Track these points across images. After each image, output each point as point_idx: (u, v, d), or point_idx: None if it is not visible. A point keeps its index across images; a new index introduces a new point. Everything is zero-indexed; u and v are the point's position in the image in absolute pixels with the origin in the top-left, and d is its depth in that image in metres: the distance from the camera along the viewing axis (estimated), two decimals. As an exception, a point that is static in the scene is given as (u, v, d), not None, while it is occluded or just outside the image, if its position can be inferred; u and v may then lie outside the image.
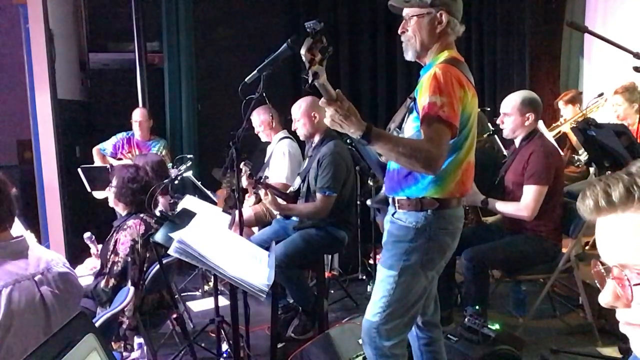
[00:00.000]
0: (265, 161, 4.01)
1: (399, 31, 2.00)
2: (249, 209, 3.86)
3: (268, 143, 4.12)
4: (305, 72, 1.67)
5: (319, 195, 3.13)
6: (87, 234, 2.94)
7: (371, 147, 1.83)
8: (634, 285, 0.68)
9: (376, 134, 1.77)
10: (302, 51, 1.66)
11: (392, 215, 2.01)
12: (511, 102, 3.03)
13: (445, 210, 1.93)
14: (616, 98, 3.86)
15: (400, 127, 2.02)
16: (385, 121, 2.21)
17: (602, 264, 0.73)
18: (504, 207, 3.00)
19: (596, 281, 0.75)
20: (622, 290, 0.70)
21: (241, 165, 3.10)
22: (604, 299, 0.73)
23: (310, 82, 1.69)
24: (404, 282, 1.92)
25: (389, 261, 1.95)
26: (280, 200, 3.20)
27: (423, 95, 1.82)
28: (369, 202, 2.16)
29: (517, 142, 3.10)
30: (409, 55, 2.01)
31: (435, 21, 1.93)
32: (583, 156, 4.16)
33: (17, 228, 1.82)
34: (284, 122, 3.92)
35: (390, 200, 2.03)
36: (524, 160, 2.97)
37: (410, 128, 1.93)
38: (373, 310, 1.97)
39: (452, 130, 1.80)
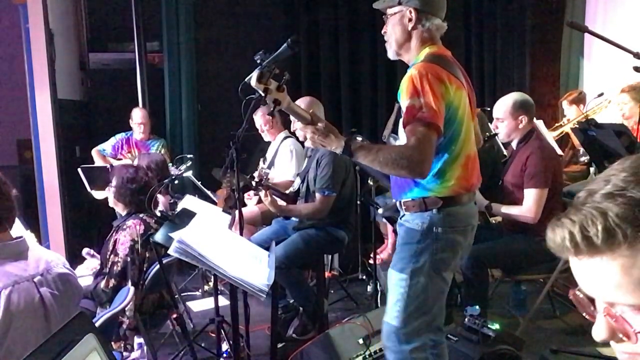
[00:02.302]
0: (267, 161, 4.02)
1: (382, 31, 2.04)
2: (255, 207, 3.87)
3: (268, 143, 4.12)
4: (263, 101, 1.78)
5: (318, 196, 3.13)
6: (85, 250, 2.93)
7: (354, 160, 1.87)
8: (637, 333, 0.65)
9: (356, 147, 1.83)
10: (252, 83, 1.76)
11: (401, 218, 2.01)
12: (502, 107, 3.02)
13: (451, 208, 1.91)
14: (622, 96, 3.86)
15: (395, 132, 2.05)
16: (385, 121, 2.22)
17: (585, 294, 0.69)
18: (507, 211, 3.00)
19: (576, 304, 0.72)
20: (619, 326, 0.66)
21: (260, 162, 3.13)
22: (599, 335, 0.68)
23: (272, 109, 1.82)
24: (416, 284, 1.90)
25: (399, 264, 1.94)
26: (279, 202, 3.20)
27: (402, 99, 1.84)
28: (380, 211, 2.18)
29: (513, 145, 3.10)
30: (389, 54, 2.05)
31: (405, 18, 1.95)
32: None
33: (17, 228, 1.82)
34: (283, 122, 3.93)
35: (397, 204, 2.03)
36: (521, 163, 2.97)
37: (403, 132, 1.93)
38: (391, 314, 1.95)
39: (436, 129, 1.79)
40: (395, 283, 1.95)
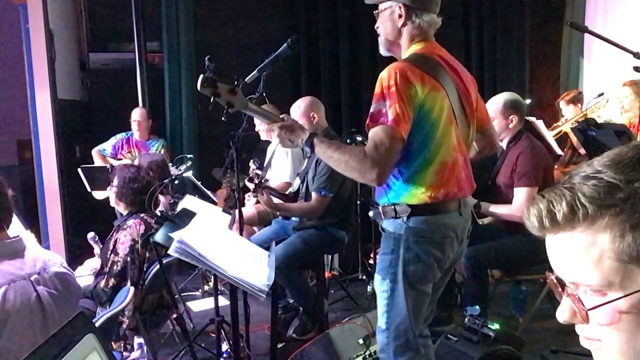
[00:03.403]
0: (266, 161, 4.01)
1: (375, 27, 1.98)
2: (251, 207, 3.86)
3: (268, 143, 4.12)
4: (211, 106, 1.78)
5: (314, 195, 3.13)
6: (90, 234, 2.92)
7: (315, 154, 1.83)
8: (588, 310, 0.67)
9: (318, 141, 1.80)
10: (198, 88, 1.77)
11: (381, 224, 1.93)
12: (493, 106, 3.03)
13: (424, 217, 1.80)
14: (624, 90, 3.87)
15: None
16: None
17: (556, 276, 0.72)
18: (496, 209, 3.00)
19: (554, 292, 0.74)
20: (577, 307, 0.68)
21: (250, 163, 3.12)
22: (562, 316, 0.71)
23: (225, 111, 1.80)
24: (397, 296, 1.84)
25: (380, 275, 1.89)
26: (275, 200, 3.19)
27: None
28: (371, 213, 2.12)
29: (504, 145, 3.11)
30: (381, 50, 2.00)
31: (394, 14, 1.88)
32: None
33: (17, 228, 1.82)
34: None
35: (380, 208, 1.94)
36: (512, 163, 2.98)
37: None
38: (381, 325, 1.92)
39: (398, 135, 1.70)
40: (380, 294, 1.90)
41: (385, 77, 1.75)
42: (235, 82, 1.82)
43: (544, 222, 0.67)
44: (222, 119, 1.83)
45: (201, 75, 1.78)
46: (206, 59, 1.82)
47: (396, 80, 1.72)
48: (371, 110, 1.76)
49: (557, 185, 0.68)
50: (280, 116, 1.92)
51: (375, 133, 1.72)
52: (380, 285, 1.90)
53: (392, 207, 1.83)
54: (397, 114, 1.70)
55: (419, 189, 1.81)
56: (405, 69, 1.76)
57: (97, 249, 2.92)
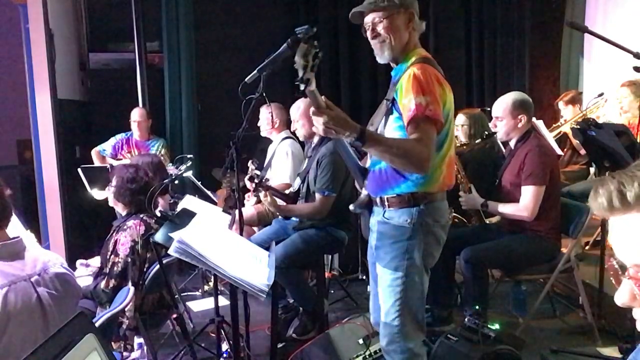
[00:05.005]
0: (266, 161, 4.01)
1: (370, 37, 2.04)
2: (251, 207, 3.86)
3: (268, 142, 4.11)
4: (298, 79, 1.67)
5: (318, 196, 3.13)
6: (79, 262, 2.91)
7: (365, 149, 1.87)
8: None
9: (371, 136, 1.84)
10: (297, 58, 1.65)
11: (383, 215, 2.02)
12: (502, 106, 3.03)
13: (435, 203, 1.99)
14: (622, 90, 3.87)
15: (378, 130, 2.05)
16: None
17: (617, 261, 0.73)
18: (503, 208, 3.00)
19: (611, 278, 0.75)
20: (638, 290, 0.69)
21: (248, 163, 3.11)
22: (621, 298, 0.72)
23: (304, 88, 1.69)
24: (411, 280, 1.96)
25: (393, 263, 1.96)
26: (279, 201, 3.20)
27: (406, 96, 1.86)
28: (351, 207, 2.15)
29: (512, 144, 3.11)
30: (385, 57, 2.06)
31: (407, 20, 1.99)
32: None
33: (17, 228, 1.82)
34: (286, 121, 3.91)
35: (377, 200, 2.04)
36: (520, 161, 2.98)
37: (391, 129, 1.97)
38: (391, 316, 1.98)
39: (439, 126, 1.88)
40: (390, 283, 1.97)
41: (420, 74, 1.86)
42: (319, 57, 1.67)
43: (613, 202, 0.69)
44: (297, 94, 1.78)
45: (303, 44, 1.63)
46: (307, 27, 1.68)
47: (431, 80, 1.86)
48: (414, 101, 1.83)
49: (629, 168, 0.70)
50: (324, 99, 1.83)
51: (423, 125, 1.83)
52: (392, 274, 1.97)
53: (409, 195, 1.95)
54: (440, 108, 1.86)
55: (438, 178, 1.98)
56: (433, 70, 1.91)
57: (92, 268, 2.90)
